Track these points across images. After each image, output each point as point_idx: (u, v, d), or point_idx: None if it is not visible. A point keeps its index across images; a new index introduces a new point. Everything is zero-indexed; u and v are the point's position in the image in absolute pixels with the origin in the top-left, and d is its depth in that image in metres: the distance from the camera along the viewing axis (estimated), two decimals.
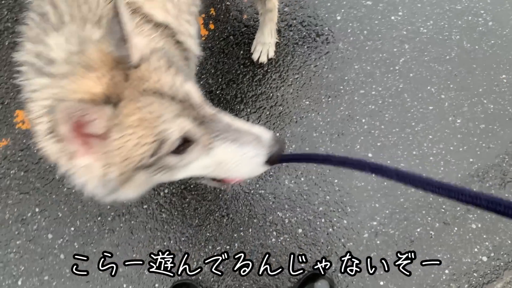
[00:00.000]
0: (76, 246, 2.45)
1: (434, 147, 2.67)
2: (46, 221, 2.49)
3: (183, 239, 2.49)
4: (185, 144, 1.20)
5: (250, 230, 2.52)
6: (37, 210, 2.50)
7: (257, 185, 2.58)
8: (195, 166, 1.27)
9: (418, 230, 2.52)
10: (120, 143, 1.13)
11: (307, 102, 2.71)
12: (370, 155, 2.64)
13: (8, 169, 2.55)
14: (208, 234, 2.51)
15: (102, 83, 1.12)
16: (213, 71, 2.73)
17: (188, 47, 1.69)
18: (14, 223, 2.48)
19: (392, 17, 2.88)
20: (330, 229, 2.51)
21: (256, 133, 1.27)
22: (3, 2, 2.84)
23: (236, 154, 1.26)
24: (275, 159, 1.26)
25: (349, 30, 2.84)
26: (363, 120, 2.69)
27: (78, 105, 1.03)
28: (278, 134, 2.64)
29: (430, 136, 2.69)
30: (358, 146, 2.65)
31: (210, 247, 2.48)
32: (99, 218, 2.49)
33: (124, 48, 1.13)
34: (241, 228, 2.52)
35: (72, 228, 2.48)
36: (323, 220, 2.53)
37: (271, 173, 2.59)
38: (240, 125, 1.27)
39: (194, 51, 1.75)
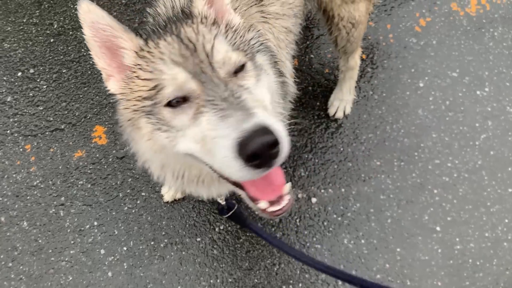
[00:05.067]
0: (125, 267, 2.45)
1: (510, 232, 2.48)
2: (102, 236, 2.52)
3: (230, 280, 2.42)
4: (182, 100, 1.11)
5: (300, 284, 2.41)
6: (95, 223, 2.54)
7: (314, 239, 2.49)
8: (189, 137, 1.11)
9: None
10: (132, 74, 1.20)
11: (378, 163, 2.63)
12: (438, 228, 2.49)
13: (77, 179, 2.64)
14: (256, 281, 2.42)
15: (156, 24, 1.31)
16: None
17: (286, 81, 1.72)
18: (72, 233, 2.53)
19: (478, 92, 2.80)
20: None
21: (250, 112, 0.99)
22: None
23: (214, 127, 1.02)
24: (249, 151, 0.94)
25: (430, 98, 2.78)
26: (435, 191, 2.57)
27: (102, 17, 1.14)
28: (343, 190, 2.57)
29: (506, 220, 2.51)
30: (426, 217, 2.51)
31: None
32: (152, 243, 2.49)
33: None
34: (291, 281, 2.41)
35: (125, 248, 2.49)
36: None
37: (330, 229, 2.50)
38: (247, 102, 1.03)
39: (290, 87, 1.79)
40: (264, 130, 0.95)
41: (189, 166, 1.30)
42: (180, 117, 1.11)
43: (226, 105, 1.02)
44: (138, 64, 1.18)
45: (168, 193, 2.51)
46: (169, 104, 1.11)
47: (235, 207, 1.93)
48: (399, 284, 2.38)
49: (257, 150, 0.94)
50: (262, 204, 1.18)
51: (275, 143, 0.96)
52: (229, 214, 1.92)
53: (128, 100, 1.21)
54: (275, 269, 2.44)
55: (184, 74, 1.09)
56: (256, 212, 1.27)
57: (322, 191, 2.59)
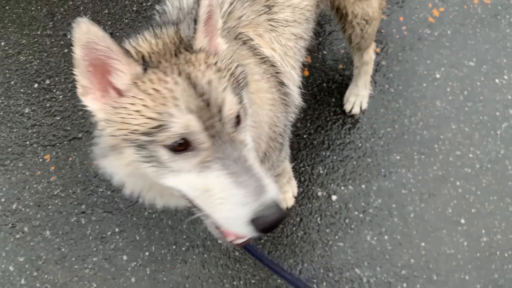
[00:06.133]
0: (148, 272, 2.45)
1: None
2: (124, 242, 2.52)
3: (253, 281, 2.40)
4: (184, 145, 1.08)
5: (324, 283, 2.38)
6: (117, 230, 2.56)
7: (336, 237, 2.46)
8: (184, 179, 1.13)
9: None
10: (128, 104, 1.11)
11: (398, 157, 2.59)
12: (462, 221, 2.44)
13: (97, 187, 2.66)
14: (279, 281, 2.40)
15: (150, 48, 1.17)
16: (302, 115, 2.72)
17: (289, 92, 1.68)
18: (94, 240, 2.55)
19: (497, 80, 2.74)
20: None
21: (263, 184, 1.08)
22: None
23: (225, 189, 1.08)
24: (263, 225, 1.06)
25: (448, 89, 2.73)
26: (458, 183, 2.52)
27: (103, 38, 1.04)
28: (363, 186, 2.54)
29: None
30: (450, 210, 2.47)
31: None
32: (173, 247, 2.49)
33: (192, 29, 1.18)
34: (315, 280, 2.39)
35: (147, 253, 2.49)
36: (405, 284, 2.34)
37: (352, 226, 2.47)
38: (255, 167, 1.10)
39: (295, 99, 1.73)
40: (276, 207, 1.07)
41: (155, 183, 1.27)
42: (180, 163, 1.10)
43: (237, 169, 1.08)
44: (140, 99, 1.10)
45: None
46: (168, 145, 1.09)
47: None
48: (425, 279, 2.34)
49: (270, 225, 1.07)
50: (229, 237, 1.30)
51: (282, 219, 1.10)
52: None
53: (118, 129, 1.13)
54: (299, 268, 2.41)
55: (197, 124, 1.07)
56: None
57: (342, 188, 2.56)
